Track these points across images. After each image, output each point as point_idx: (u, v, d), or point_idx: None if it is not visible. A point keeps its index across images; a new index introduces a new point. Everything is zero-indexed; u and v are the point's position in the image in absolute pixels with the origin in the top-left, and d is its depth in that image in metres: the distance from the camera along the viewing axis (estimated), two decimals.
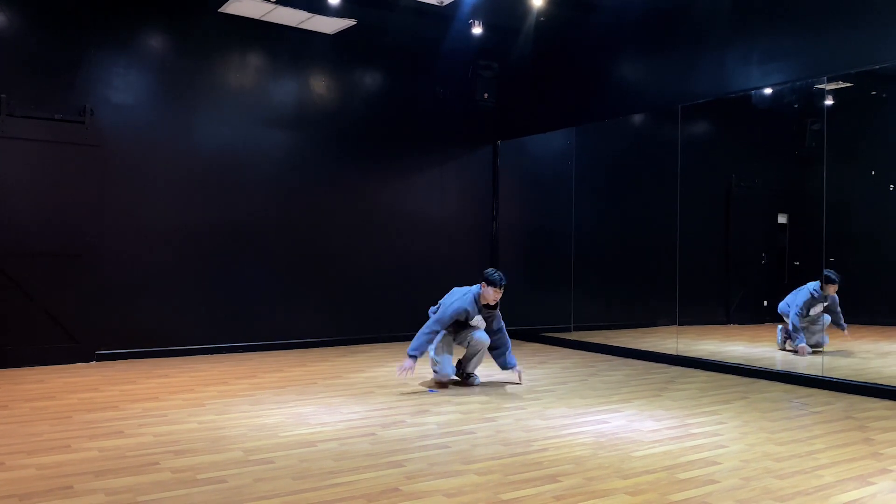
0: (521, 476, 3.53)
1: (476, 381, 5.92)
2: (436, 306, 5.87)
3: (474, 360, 5.87)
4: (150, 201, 7.04)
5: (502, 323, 5.99)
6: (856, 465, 3.78)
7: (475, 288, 5.78)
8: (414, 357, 5.52)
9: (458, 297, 5.74)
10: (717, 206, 7.83)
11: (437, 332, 5.66)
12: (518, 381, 5.92)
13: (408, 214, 8.55)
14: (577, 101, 8.43)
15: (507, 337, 6.01)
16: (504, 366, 5.94)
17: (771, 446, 4.11)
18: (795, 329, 6.93)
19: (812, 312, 6.90)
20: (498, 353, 5.95)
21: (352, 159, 8.18)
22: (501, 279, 5.69)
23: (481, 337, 5.79)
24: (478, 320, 5.77)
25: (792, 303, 7.00)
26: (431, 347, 5.71)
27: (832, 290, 6.77)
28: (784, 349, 7.13)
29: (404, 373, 5.52)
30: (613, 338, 8.11)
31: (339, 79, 8.15)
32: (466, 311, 5.67)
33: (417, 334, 5.63)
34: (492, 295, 5.69)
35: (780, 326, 7.24)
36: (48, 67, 6.59)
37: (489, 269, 5.79)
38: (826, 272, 6.64)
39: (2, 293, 6.32)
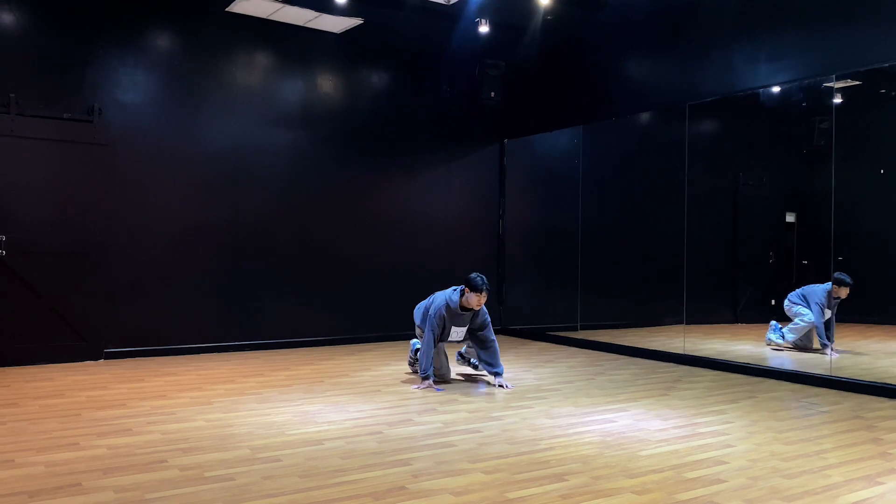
0: (528, 475, 3.53)
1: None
2: (421, 309, 5.87)
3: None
4: (157, 200, 7.06)
5: (487, 318, 5.77)
6: (864, 464, 3.76)
7: (452, 295, 5.62)
8: (428, 377, 5.59)
9: (435, 305, 5.67)
10: (725, 204, 7.80)
11: (433, 343, 5.64)
12: (504, 386, 5.69)
13: (414, 213, 8.55)
14: (585, 99, 8.41)
15: (493, 335, 5.80)
16: (491, 370, 5.75)
17: (778, 446, 4.10)
18: (819, 333, 6.81)
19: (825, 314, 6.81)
20: (486, 353, 5.77)
21: (359, 158, 8.19)
22: (484, 283, 5.50)
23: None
24: (460, 332, 5.70)
25: (810, 301, 6.88)
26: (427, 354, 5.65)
27: (844, 293, 6.60)
28: (774, 347, 7.08)
29: (423, 388, 5.57)
30: (620, 337, 8.09)
31: (346, 78, 8.16)
32: (443, 319, 5.60)
33: (420, 354, 5.69)
34: (475, 300, 5.52)
35: (774, 323, 7.17)
36: (56, 67, 6.62)
37: (472, 275, 5.54)
38: (839, 275, 6.51)
39: (10, 291, 6.35)
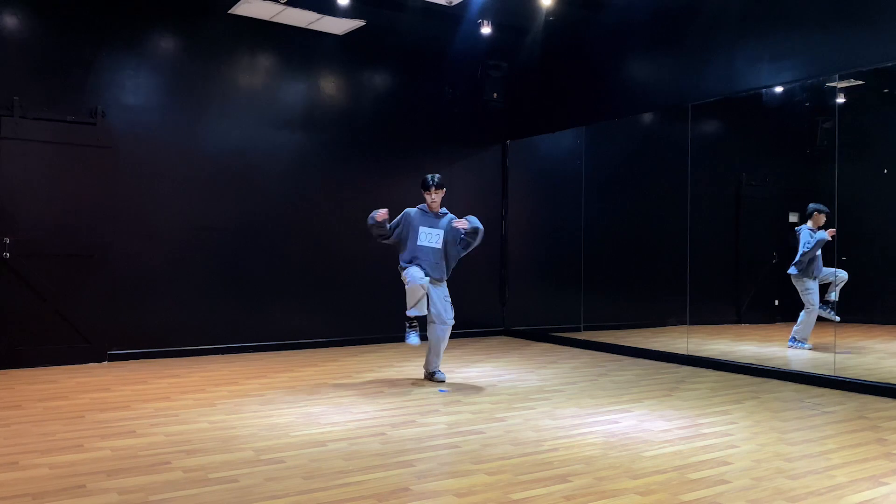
0: (532, 476, 3.53)
1: (441, 377, 5.99)
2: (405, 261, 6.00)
3: (434, 352, 5.91)
4: (161, 202, 7.07)
5: (453, 218, 5.96)
6: (868, 465, 3.75)
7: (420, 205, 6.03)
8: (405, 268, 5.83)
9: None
10: (728, 204, 7.79)
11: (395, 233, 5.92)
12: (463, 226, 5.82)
13: None
14: (587, 100, 8.41)
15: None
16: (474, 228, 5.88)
17: (782, 446, 4.09)
18: (804, 271, 7.02)
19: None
20: (470, 237, 5.93)
21: (361, 160, 8.20)
22: (432, 179, 5.88)
23: (440, 312, 5.80)
24: (431, 233, 5.87)
25: (802, 242, 7.06)
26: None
27: (822, 220, 6.85)
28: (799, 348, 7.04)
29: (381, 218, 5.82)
30: (623, 337, 8.09)
31: (349, 79, 8.17)
32: (407, 215, 5.90)
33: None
34: (428, 199, 5.91)
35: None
36: (60, 70, 6.64)
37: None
38: (812, 205, 6.92)
39: (15, 294, 6.37)
